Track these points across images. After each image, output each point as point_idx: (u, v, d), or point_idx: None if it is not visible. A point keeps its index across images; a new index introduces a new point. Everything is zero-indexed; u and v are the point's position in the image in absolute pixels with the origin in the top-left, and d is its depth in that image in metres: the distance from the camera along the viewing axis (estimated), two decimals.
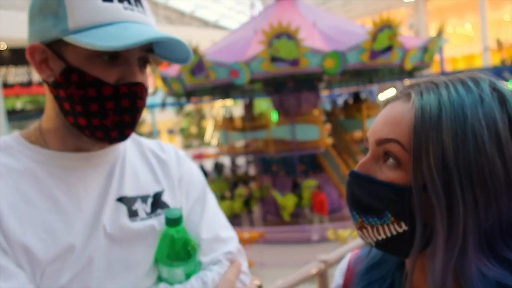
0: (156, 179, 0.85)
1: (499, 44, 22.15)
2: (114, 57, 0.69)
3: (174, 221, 0.77)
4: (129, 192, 0.79)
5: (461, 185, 0.48)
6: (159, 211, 0.81)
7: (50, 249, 0.67)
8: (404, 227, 0.53)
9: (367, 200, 0.55)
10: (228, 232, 0.89)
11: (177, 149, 0.94)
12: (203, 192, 0.91)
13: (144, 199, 0.81)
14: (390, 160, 0.54)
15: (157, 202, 0.82)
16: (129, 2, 0.69)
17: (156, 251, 0.78)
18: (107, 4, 0.67)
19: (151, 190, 0.83)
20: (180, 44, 0.72)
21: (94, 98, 0.68)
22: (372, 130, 0.58)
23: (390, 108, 0.57)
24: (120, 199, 0.78)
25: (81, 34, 0.65)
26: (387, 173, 0.54)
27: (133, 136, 0.87)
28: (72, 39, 0.65)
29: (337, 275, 0.75)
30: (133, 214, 0.78)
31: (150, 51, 0.74)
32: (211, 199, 0.92)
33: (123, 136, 0.73)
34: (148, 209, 0.80)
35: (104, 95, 0.68)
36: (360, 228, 0.57)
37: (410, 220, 0.52)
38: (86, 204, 0.73)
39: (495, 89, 0.52)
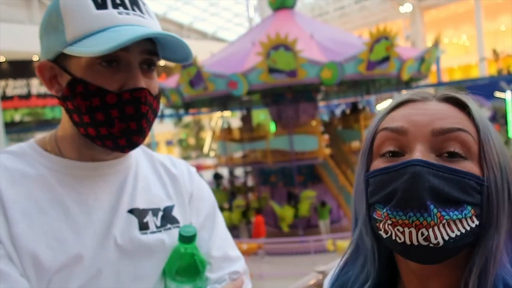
0: (167, 194, 0.84)
1: (495, 54, 22.33)
2: (113, 62, 0.68)
3: (188, 239, 0.77)
4: (140, 204, 0.79)
5: (508, 180, 0.53)
6: (168, 225, 0.81)
7: (58, 257, 0.67)
8: (476, 221, 0.50)
9: (449, 190, 0.48)
10: (236, 251, 0.90)
11: (188, 165, 0.93)
12: (213, 209, 0.91)
13: (155, 212, 0.80)
14: (457, 151, 0.51)
15: (167, 217, 0.82)
16: (125, 7, 0.69)
17: (166, 266, 0.78)
18: (101, 11, 0.67)
19: (162, 204, 0.83)
20: (178, 42, 0.71)
21: (99, 107, 0.68)
22: (421, 122, 0.53)
23: (434, 106, 0.55)
24: (131, 211, 0.77)
25: (77, 44, 0.66)
26: (458, 163, 0.50)
27: (145, 149, 0.88)
28: (69, 50, 0.66)
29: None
30: (143, 227, 0.77)
31: (153, 54, 0.73)
32: (220, 217, 0.93)
33: (131, 144, 0.72)
34: (158, 222, 0.80)
35: (108, 104, 0.68)
36: (435, 225, 0.48)
37: (481, 215, 0.51)
38: (96, 215, 0.73)
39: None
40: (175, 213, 0.83)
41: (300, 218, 9.62)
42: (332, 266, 1.89)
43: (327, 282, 0.70)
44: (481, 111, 0.55)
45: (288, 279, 7.54)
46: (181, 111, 15.08)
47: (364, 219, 0.57)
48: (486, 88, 16.86)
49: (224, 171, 14.72)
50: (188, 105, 12.31)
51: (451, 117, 0.53)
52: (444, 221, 0.48)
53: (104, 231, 0.73)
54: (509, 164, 0.53)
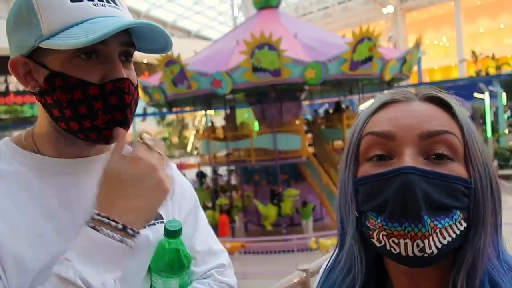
0: None
1: (474, 56, 22.87)
2: (92, 54, 0.67)
3: (174, 233, 0.76)
4: None
5: (492, 180, 0.54)
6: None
7: (41, 258, 0.65)
8: (464, 224, 0.51)
9: (439, 197, 0.48)
10: (219, 245, 0.91)
11: (169, 162, 0.93)
12: (195, 205, 0.91)
13: None
14: (445, 153, 0.51)
15: None
16: None
17: (152, 261, 0.77)
18: (76, 4, 0.66)
19: None
20: (157, 31, 0.70)
21: (81, 100, 0.67)
22: (408, 126, 0.52)
23: (418, 108, 0.55)
24: None
25: (54, 38, 0.64)
26: (447, 167, 0.51)
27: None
28: (46, 44, 0.65)
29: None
30: None
31: (131, 45, 0.73)
32: (202, 213, 0.93)
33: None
34: None
35: (90, 96, 0.67)
36: (430, 235, 0.48)
37: (468, 217, 0.51)
38: (78, 212, 0.71)
39: None
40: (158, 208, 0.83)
41: (283, 216, 9.67)
42: (315, 264, 1.91)
43: (315, 285, 0.70)
44: (463, 110, 0.56)
45: (271, 277, 7.57)
46: (164, 109, 14.94)
47: (352, 224, 0.57)
48: (465, 89, 17.26)
49: (207, 170, 14.67)
50: (171, 104, 12.21)
51: (436, 118, 0.53)
52: (437, 229, 0.48)
53: None
54: (490, 161, 0.55)
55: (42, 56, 0.67)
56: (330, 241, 8.39)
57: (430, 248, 0.48)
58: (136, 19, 0.68)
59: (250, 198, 10.92)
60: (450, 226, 0.49)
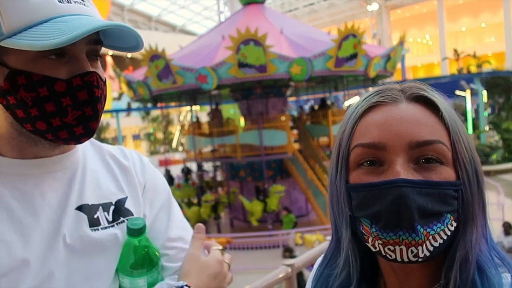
0: (118, 186, 0.82)
1: (456, 54, 23.27)
2: (59, 54, 0.65)
3: (136, 231, 0.75)
4: (90, 200, 0.76)
5: (481, 179, 0.55)
6: (121, 219, 0.78)
7: (4, 262, 0.63)
8: (454, 224, 0.53)
9: (432, 206, 0.51)
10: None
11: (141, 155, 0.91)
12: (168, 200, 0.89)
13: (105, 207, 0.78)
14: (434, 160, 0.53)
15: (119, 210, 0.79)
16: None
17: (118, 261, 0.76)
18: (38, 1, 0.63)
19: (113, 197, 0.80)
20: (127, 30, 0.68)
21: (48, 97, 0.64)
22: (398, 134, 0.53)
23: (406, 111, 0.55)
24: (80, 208, 0.74)
25: (18, 36, 0.61)
26: (440, 173, 0.52)
27: (93, 141, 0.84)
28: (9, 43, 0.61)
29: (308, 283, 0.74)
30: (94, 223, 0.74)
31: (98, 43, 0.70)
32: (176, 206, 0.91)
33: (88, 131, 0.69)
34: (110, 217, 0.77)
35: (57, 92, 0.64)
36: (423, 243, 0.50)
37: (458, 217, 0.53)
38: (43, 214, 0.69)
39: None
40: (128, 205, 0.81)
41: (269, 212, 9.71)
42: (301, 259, 1.92)
43: (310, 280, 0.71)
44: (449, 108, 0.56)
45: (257, 272, 7.60)
46: (149, 104, 14.80)
47: (347, 226, 0.58)
48: (447, 86, 17.57)
49: (193, 166, 14.61)
50: (156, 99, 12.10)
51: (425, 125, 0.54)
52: (430, 236, 0.51)
53: (52, 231, 0.70)
54: (476, 155, 0.56)
55: (1, 55, 0.64)
56: (315, 237, 8.47)
57: (423, 252, 0.51)
58: (105, 21, 0.65)
59: (236, 194, 10.93)
60: (443, 230, 0.51)
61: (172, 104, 16.21)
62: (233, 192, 11.10)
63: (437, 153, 0.52)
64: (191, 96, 11.73)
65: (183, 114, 23.32)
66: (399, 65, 14.15)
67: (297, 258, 1.95)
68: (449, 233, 0.52)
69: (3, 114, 0.69)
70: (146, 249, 0.75)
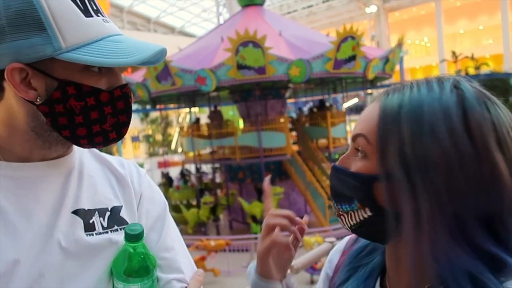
0: (114, 194, 0.83)
1: (454, 56, 23.31)
2: (100, 68, 0.72)
3: (134, 237, 0.74)
4: (86, 204, 0.77)
5: (420, 173, 0.52)
6: (116, 227, 0.79)
7: None
8: (369, 212, 0.59)
9: (341, 189, 0.62)
10: (186, 253, 0.89)
11: (138, 166, 0.93)
12: (164, 211, 0.90)
13: (101, 212, 0.78)
14: (359, 153, 0.61)
15: (114, 218, 0.80)
16: (102, 14, 0.72)
17: (113, 265, 0.76)
18: (90, 19, 0.69)
19: (110, 204, 0.80)
20: (164, 51, 0.76)
21: (94, 106, 0.70)
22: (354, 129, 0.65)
23: (366, 109, 0.64)
24: (76, 212, 0.75)
25: (77, 52, 0.66)
26: (355, 165, 0.61)
27: (92, 150, 0.86)
28: (70, 57, 0.66)
29: (334, 254, 0.82)
30: (89, 228, 0.75)
31: None
32: (171, 220, 0.91)
33: (120, 136, 0.76)
34: (105, 223, 0.78)
35: (102, 102, 0.71)
36: (339, 215, 0.64)
37: (373, 207, 0.58)
38: (37, 217, 0.70)
39: (457, 88, 0.56)
40: (123, 214, 0.81)
41: None
42: (299, 261, 1.92)
43: (342, 246, 0.82)
44: (394, 102, 0.57)
45: None
46: (148, 106, 14.80)
47: None
48: None
49: (192, 168, 14.59)
50: (155, 101, 12.10)
51: (365, 120, 0.61)
52: (341, 212, 0.63)
53: (45, 234, 0.70)
54: (428, 154, 0.52)
55: (47, 66, 0.67)
56: (314, 239, 8.46)
57: (344, 224, 0.64)
58: (155, 44, 0.73)
59: (235, 196, 10.92)
60: (352, 211, 0.61)
61: (171, 106, 16.20)
62: (232, 194, 11.09)
63: (361, 146, 0.60)
64: (190, 98, 11.73)
65: (182, 115, 23.33)
66: (397, 67, 14.18)
67: (296, 260, 1.95)
68: (362, 218, 0.60)
69: (25, 118, 0.71)
70: (142, 256, 0.75)
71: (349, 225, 0.63)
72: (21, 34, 0.65)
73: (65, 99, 0.69)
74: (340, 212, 0.63)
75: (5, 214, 0.68)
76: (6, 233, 0.67)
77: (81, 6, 0.68)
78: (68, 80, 0.68)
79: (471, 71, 21.15)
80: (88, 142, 0.73)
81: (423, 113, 0.54)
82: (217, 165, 12.26)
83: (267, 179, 0.87)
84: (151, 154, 26.81)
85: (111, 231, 0.78)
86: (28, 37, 0.65)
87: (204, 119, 13.88)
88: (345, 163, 0.63)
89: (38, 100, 0.68)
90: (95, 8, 0.71)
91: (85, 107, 0.70)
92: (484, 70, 21.18)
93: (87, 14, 0.68)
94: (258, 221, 9.51)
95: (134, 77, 11.03)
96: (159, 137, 27.53)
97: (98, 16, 0.70)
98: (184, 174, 13.59)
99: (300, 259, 2.04)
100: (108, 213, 0.79)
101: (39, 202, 0.72)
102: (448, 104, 0.53)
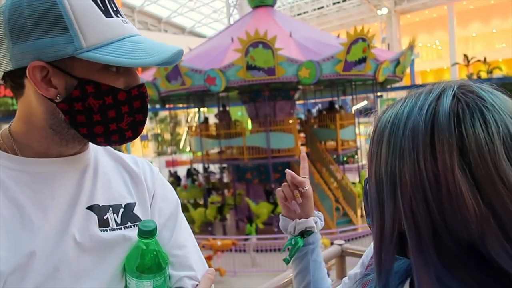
0: (128, 191, 0.84)
1: (466, 60, 23.07)
2: (118, 67, 0.73)
3: (148, 233, 0.75)
4: (100, 200, 0.78)
5: (387, 192, 0.53)
6: (129, 223, 0.79)
7: (11, 260, 0.65)
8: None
9: (365, 204, 0.64)
10: (198, 252, 0.89)
11: (151, 165, 0.94)
12: (176, 210, 0.90)
13: (115, 209, 0.79)
14: None
15: (127, 214, 0.81)
16: (121, 15, 0.73)
17: (126, 261, 0.77)
18: (110, 20, 0.70)
19: (123, 200, 0.82)
20: (181, 52, 0.76)
21: (112, 105, 0.72)
22: None
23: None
24: (91, 208, 0.76)
25: (98, 51, 0.67)
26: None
27: (107, 147, 0.87)
28: (90, 57, 0.67)
29: (369, 253, 0.82)
30: (103, 224, 0.76)
31: None
32: (183, 218, 0.92)
33: (136, 134, 0.77)
34: (119, 219, 0.79)
35: (119, 101, 0.72)
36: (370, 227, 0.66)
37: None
38: (53, 212, 0.71)
39: (438, 99, 0.51)
40: (136, 211, 0.82)
41: (276, 215, 9.69)
42: None
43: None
44: (386, 116, 0.55)
45: (262, 276, 7.58)
46: (157, 105, 14.88)
47: None
48: None
49: (199, 167, 14.64)
50: (165, 100, 12.16)
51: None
52: (368, 224, 0.63)
53: (60, 229, 0.71)
54: (396, 175, 0.51)
55: (67, 64, 0.69)
56: (321, 241, 8.41)
57: None
58: (173, 46, 0.74)
59: (242, 196, 10.93)
60: (370, 225, 0.61)
61: (180, 105, 16.28)
62: (239, 194, 11.10)
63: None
64: (199, 97, 11.77)
65: (191, 115, 23.44)
66: (408, 70, 14.09)
67: None
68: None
69: (44, 115, 0.72)
70: (155, 253, 0.76)
71: None
72: (44, 33, 0.66)
73: (84, 97, 0.70)
74: (368, 224, 0.65)
75: (22, 208, 0.69)
76: (23, 226, 0.68)
77: (102, 7, 0.69)
78: (87, 79, 0.70)
79: (483, 75, 20.90)
80: (105, 140, 0.74)
81: (398, 132, 0.52)
82: (225, 165, 12.29)
83: (303, 150, 0.95)
84: (160, 153, 26.98)
85: (124, 227, 0.78)
86: (50, 36, 0.66)
87: (212, 119, 13.92)
88: None
89: (57, 98, 0.70)
90: (115, 9, 0.72)
91: (103, 105, 0.71)
92: (497, 74, 20.93)
93: (107, 14, 0.70)
94: (253, 222, 9.54)
95: (144, 77, 11.10)
96: (167, 136, 27.69)
97: (117, 17, 0.71)
98: (191, 173, 13.63)
99: None
100: (121, 210, 0.80)
101: (55, 197, 0.73)
102: (419, 121, 0.50)
